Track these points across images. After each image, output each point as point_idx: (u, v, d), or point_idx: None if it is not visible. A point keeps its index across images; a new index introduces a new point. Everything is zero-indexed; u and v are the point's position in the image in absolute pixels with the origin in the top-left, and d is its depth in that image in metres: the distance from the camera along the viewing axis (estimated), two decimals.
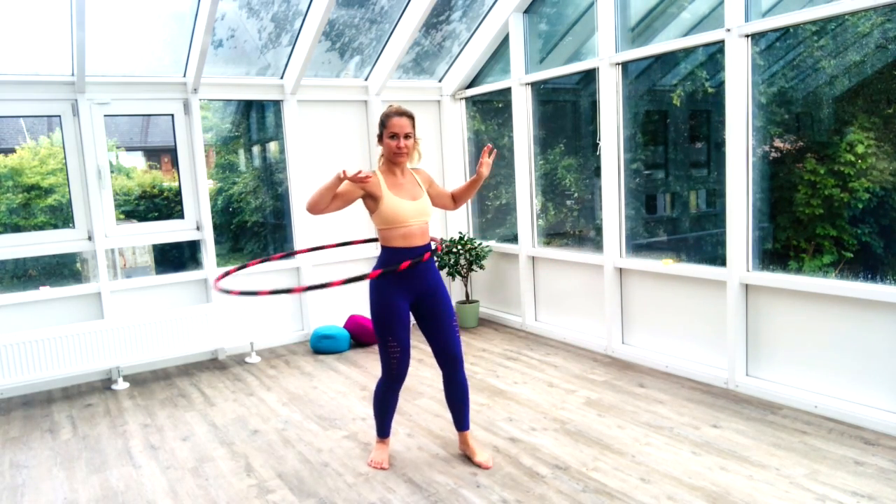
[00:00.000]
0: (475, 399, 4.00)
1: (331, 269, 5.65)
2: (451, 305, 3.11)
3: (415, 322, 3.13)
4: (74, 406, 4.28)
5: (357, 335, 5.34)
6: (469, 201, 6.21)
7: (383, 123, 2.94)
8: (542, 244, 5.53)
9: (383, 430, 3.24)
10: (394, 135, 2.91)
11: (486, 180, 3.31)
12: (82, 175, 4.65)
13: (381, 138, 2.97)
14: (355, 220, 5.70)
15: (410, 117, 2.95)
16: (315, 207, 2.76)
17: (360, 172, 2.70)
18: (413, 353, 4.60)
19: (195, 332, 4.82)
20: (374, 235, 3.58)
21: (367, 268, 5.87)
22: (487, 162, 3.05)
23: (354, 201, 2.88)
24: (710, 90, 4.66)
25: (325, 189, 2.74)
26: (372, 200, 2.91)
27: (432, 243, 3.10)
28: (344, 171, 2.69)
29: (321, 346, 5.19)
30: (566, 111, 5.81)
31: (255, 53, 5.18)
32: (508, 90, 5.47)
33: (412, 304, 3.04)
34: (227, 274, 3.24)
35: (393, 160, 2.96)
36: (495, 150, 3.11)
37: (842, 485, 2.79)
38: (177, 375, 4.83)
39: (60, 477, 3.26)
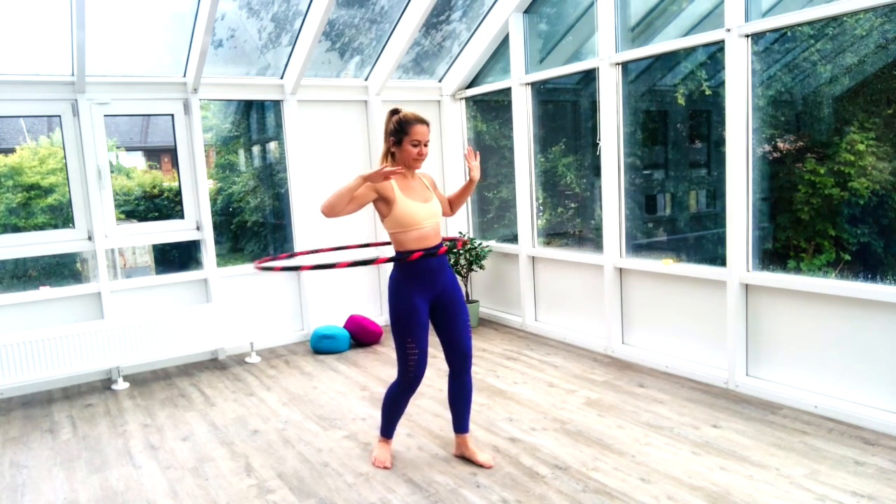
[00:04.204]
0: (475, 399, 3.99)
1: (331, 268, 5.64)
2: (465, 305, 3.12)
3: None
4: (74, 406, 4.28)
5: (357, 335, 5.34)
6: (469, 201, 6.24)
7: (403, 130, 2.91)
8: (541, 244, 5.53)
9: (389, 431, 3.24)
10: (417, 143, 2.92)
11: (482, 181, 3.34)
12: (82, 175, 4.65)
13: (397, 142, 2.95)
14: (358, 220, 5.71)
15: (429, 125, 2.98)
16: (332, 210, 2.75)
17: (386, 166, 2.79)
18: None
19: (195, 332, 4.82)
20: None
21: (366, 270, 5.87)
22: (476, 165, 3.10)
23: (367, 204, 2.89)
24: (709, 90, 4.67)
25: (346, 190, 2.74)
26: (384, 204, 2.91)
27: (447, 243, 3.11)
28: (385, 168, 2.74)
29: (321, 346, 5.19)
30: (566, 111, 5.81)
31: (255, 53, 5.18)
32: (508, 90, 5.47)
33: (430, 303, 3.04)
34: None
35: (411, 166, 2.99)
36: (477, 151, 3.16)
37: (842, 485, 2.79)
38: (177, 375, 4.83)
39: (60, 477, 3.27)
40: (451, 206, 3.26)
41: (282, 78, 5.33)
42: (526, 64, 5.31)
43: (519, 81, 5.32)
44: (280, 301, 5.47)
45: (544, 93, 5.47)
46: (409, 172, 3.02)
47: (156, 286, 4.99)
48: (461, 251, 5.68)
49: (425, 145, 2.95)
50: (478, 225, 6.32)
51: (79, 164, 4.64)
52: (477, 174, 3.10)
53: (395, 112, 2.98)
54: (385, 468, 3.15)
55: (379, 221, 5.68)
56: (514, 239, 5.70)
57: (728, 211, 3.85)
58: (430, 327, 3.10)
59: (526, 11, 5.27)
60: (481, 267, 5.80)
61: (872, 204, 4.15)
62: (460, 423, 3.19)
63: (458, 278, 5.88)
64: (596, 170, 4.90)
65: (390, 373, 4.51)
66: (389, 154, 3.02)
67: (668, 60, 4.79)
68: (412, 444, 3.43)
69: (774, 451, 3.13)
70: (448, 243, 5.67)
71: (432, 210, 2.99)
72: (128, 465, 3.35)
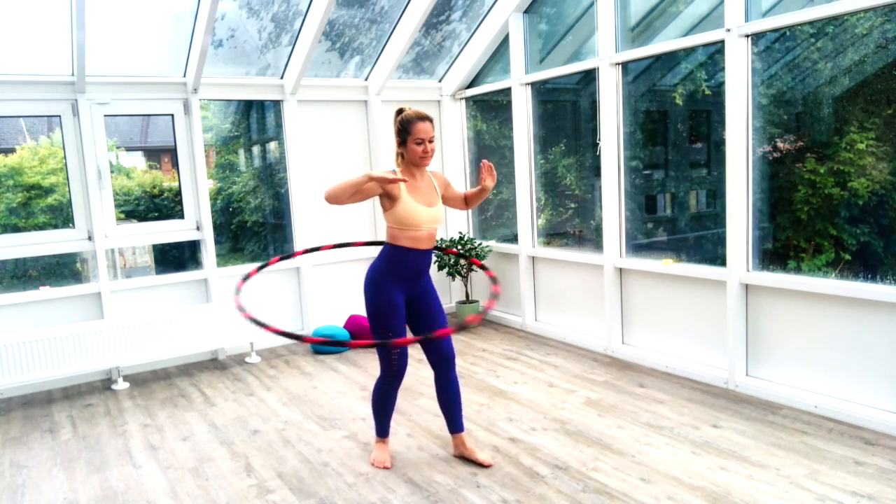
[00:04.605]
0: (475, 399, 4.00)
1: (331, 268, 5.65)
2: (442, 306, 3.14)
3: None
4: (74, 406, 4.28)
5: (357, 335, 5.34)
6: None
7: (406, 129, 2.91)
8: (541, 244, 5.53)
9: (383, 430, 3.24)
10: (420, 141, 2.91)
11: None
12: (82, 175, 4.65)
13: (402, 143, 2.95)
14: (357, 221, 5.72)
15: (432, 120, 2.96)
16: (335, 199, 2.79)
17: (395, 173, 2.82)
18: (413, 352, 4.60)
19: (195, 332, 4.82)
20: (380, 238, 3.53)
21: (366, 270, 5.87)
22: (492, 175, 3.05)
23: (371, 197, 2.91)
24: (709, 90, 4.67)
25: (350, 185, 2.76)
26: (388, 199, 2.92)
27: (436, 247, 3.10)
28: (393, 173, 2.77)
29: (321, 346, 5.19)
30: (566, 111, 5.81)
31: (255, 53, 5.18)
32: (508, 90, 5.47)
33: (406, 302, 3.05)
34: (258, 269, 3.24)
35: (419, 164, 2.97)
36: (491, 164, 3.08)
37: (842, 485, 2.79)
38: (177, 375, 4.83)
39: (60, 477, 3.27)
40: (467, 201, 3.21)
41: (282, 78, 5.33)
42: (526, 64, 5.31)
43: (519, 81, 5.32)
44: (280, 301, 5.46)
45: (544, 93, 5.47)
46: (418, 172, 3.01)
47: (156, 286, 4.99)
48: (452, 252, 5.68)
49: (430, 142, 2.93)
50: (478, 224, 6.32)
51: (79, 164, 4.64)
52: (489, 183, 3.05)
53: (399, 112, 2.98)
54: (385, 468, 3.15)
55: (378, 219, 5.73)
56: (514, 239, 5.70)
57: (728, 211, 3.85)
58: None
59: (526, 11, 5.27)
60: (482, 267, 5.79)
61: (872, 204, 4.15)
62: (454, 422, 3.19)
63: (458, 278, 5.89)
64: (596, 170, 4.90)
65: None
66: (400, 155, 3.02)
67: (668, 61, 4.79)
68: (412, 444, 3.43)
69: (774, 451, 3.13)
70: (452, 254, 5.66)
71: (433, 215, 2.98)
72: (128, 465, 3.35)
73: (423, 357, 4.71)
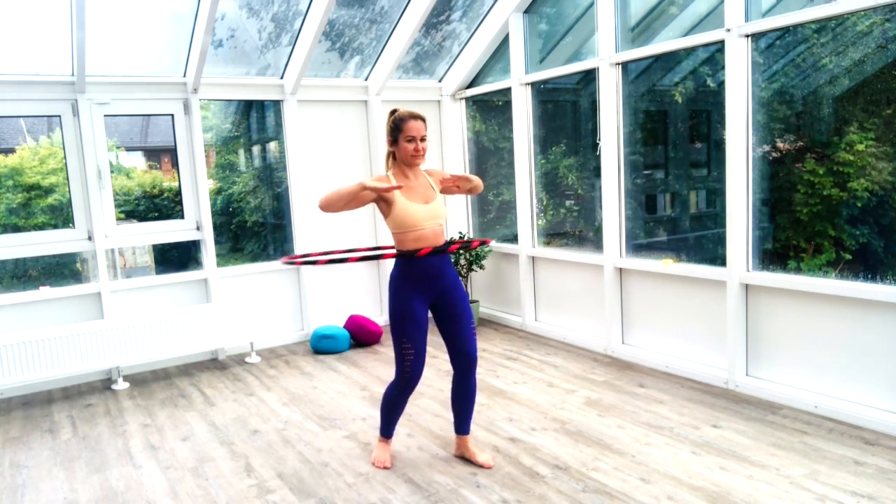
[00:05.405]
0: (475, 399, 4.00)
1: (331, 268, 5.65)
2: (469, 306, 3.09)
3: (433, 323, 3.11)
4: (74, 406, 4.28)
5: (357, 335, 5.34)
6: (468, 201, 6.24)
7: (398, 128, 2.91)
8: (542, 244, 5.53)
9: (388, 432, 3.23)
10: (411, 138, 2.90)
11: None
12: (82, 175, 4.65)
13: (394, 142, 2.94)
14: (358, 221, 5.71)
15: (424, 120, 2.95)
16: (329, 208, 2.78)
17: (387, 180, 2.86)
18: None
19: (195, 332, 4.82)
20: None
21: (366, 270, 5.88)
22: (461, 180, 3.03)
23: (367, 204, 2.89)
24: (710, 90, 4.67)
25: (345, 193, 2.75)
26: (385, 204, 2.90)
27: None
28: (387, 178, 2.85)
29: (321, 346, 5.19)
30: (566, 111, 5.81)
31: (255, 53, 5.18)
32: (508, 90, 5.47)
33: (431, 304, 3.03)
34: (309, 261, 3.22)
35: (410, 163, 2.96)
36: (454, 175, 3.07)
37: (842, 485, 2.79)
38: (177, 375, 4.83)
39: (60, 477, 3.27)
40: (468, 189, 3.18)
41: (282, 78, 5.33)
42: (526, 64, 5.31)
43: (519, 81, 5.32)
44: (280, 301, 5.47)
45: (544, 93, 5.47)
46: (411, 171, 3.00)
47: (156, 286, 4.99)
48: (461, 251, 5.68)
49: (422, 140, 2.92)
50: (478, 225, 6.32)
51: (79, 164, 4.64)
52: (464, 185, 3.03)
53: (392, 113, 2.98)
54: (385, 468, 3.15)
55: (379, 222, 5.73)
56: (514, 239, 5.70)
57: (728, 211, 3.85)
58: (435, 328, 3.09)
59: (526, 11, 5.27)
60: (481, 267, 5.80)
61: (872, 204, 4.15)
62: (462, 424, 3.19)
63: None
64: (596, 170, 4.90)
65: (390, 373, 4.50)
66: (391, 155, 3.01)
67: (668, 60, 4.79)
68: (412, 444, 3.43)
69: (774, 451, 3.13)
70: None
71: (433, 211, 2.96)
72: (128, 465, 3.35)
73: (430, 359, 4.71)
